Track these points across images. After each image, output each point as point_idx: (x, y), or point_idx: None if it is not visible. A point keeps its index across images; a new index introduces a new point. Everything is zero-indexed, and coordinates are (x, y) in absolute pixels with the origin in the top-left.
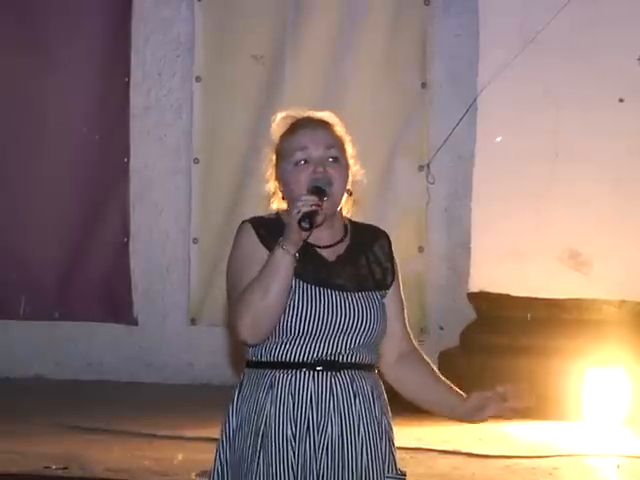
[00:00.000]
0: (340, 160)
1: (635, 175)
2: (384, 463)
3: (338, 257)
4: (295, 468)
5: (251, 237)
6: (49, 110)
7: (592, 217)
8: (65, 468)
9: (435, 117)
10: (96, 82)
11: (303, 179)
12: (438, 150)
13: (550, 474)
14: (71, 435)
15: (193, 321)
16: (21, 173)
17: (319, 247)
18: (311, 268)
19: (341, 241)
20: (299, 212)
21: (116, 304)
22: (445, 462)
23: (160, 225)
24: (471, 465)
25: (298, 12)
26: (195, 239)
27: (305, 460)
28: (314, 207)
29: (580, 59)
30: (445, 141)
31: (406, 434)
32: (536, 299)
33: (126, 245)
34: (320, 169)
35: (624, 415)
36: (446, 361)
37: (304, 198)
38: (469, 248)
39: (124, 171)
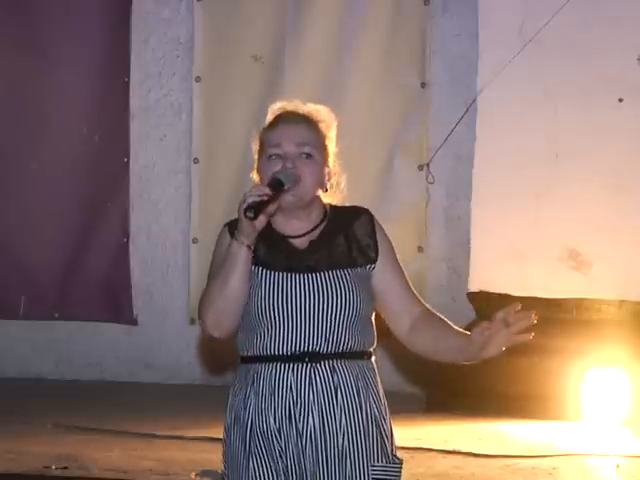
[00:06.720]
0: (314, 156)
1: (635, 175)
2: (372, 453)
3: (311, 242)
4: (284, 459)
5: (226, 238)
6: (49, 110)
7: (592, 217)
8: (65, 468)
9: (435, 117)
10: (96, 82)
11: (272, 173)
12: (438, 150)
13: (550, 474)
14: (71, 435)
15: (193, 321)
16: (21, 173)
17: (292, 237)
18: (280, 257)
19: (315, 228)
20: (244, 202)
21: (116, 304)
22: (445, 462)
23: (160, 225)
24: (471, 465)
25: (298, 12)
26: (195, 239)
27: (290, 450)
28: (262, 197)
29: (580, 59)
30: (445, 141)
31: (406, 434)
32: (536, 299)
33: (126, 245)
34: (289, 165)
35: (623, 415)
36: None
37: (252, 189)
38: (469, 248)
39: (124, 171)
